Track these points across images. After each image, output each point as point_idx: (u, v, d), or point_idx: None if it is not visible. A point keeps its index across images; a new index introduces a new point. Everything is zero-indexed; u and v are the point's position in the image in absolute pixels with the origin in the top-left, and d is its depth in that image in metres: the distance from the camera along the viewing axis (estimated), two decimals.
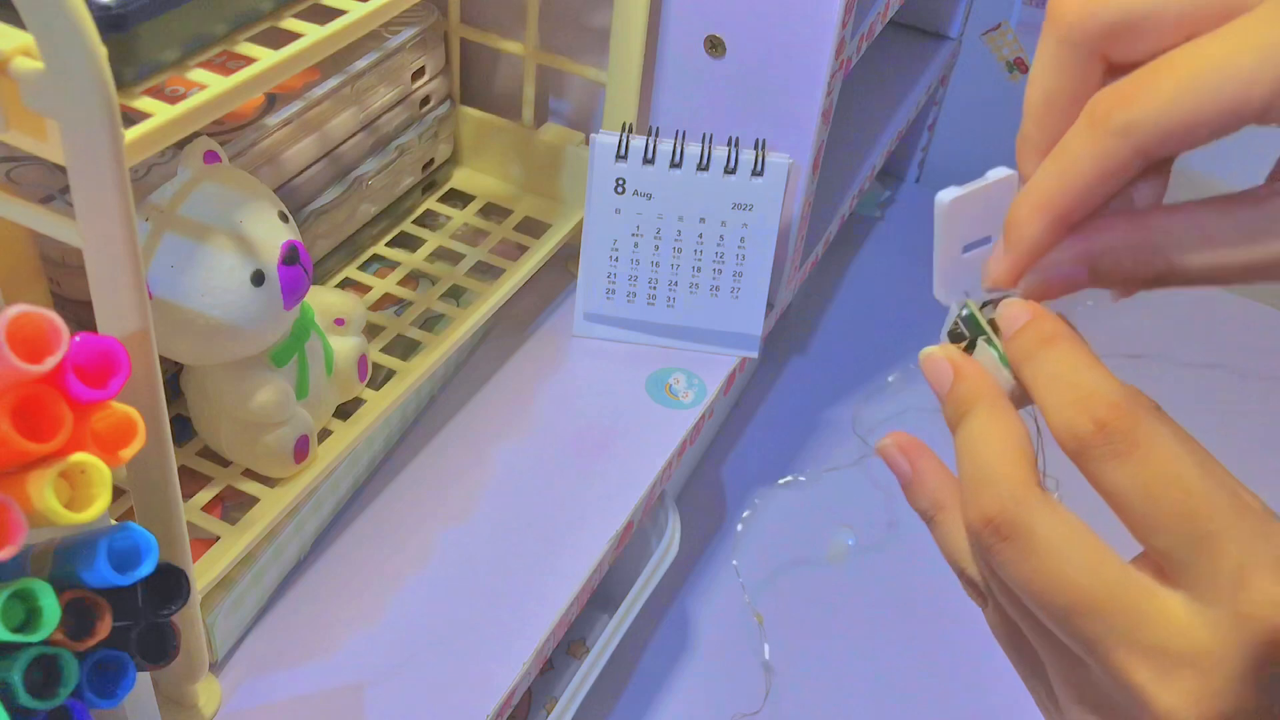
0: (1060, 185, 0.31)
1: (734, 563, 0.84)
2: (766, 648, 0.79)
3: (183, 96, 0.41)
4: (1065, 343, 0.31)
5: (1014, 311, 0.33)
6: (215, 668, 0.57)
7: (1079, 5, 0.30)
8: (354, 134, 0.70)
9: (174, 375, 0.59)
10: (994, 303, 0.35)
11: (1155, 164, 0.30)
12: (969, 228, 0.35)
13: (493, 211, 0.80)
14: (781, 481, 0.89)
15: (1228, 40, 0.27)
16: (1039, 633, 0.31)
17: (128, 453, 0.35)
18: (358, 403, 0.63)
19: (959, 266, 0.36)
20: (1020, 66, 1.09)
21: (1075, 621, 0.28)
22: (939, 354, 0.34)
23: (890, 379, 0.96)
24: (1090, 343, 0.31)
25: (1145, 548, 0.29)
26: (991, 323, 0.34)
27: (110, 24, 0.40)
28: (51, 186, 0.54)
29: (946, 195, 0.35)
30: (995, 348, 0.34)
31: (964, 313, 0.35)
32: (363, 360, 0.62)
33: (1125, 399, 0.29)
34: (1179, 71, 0.28)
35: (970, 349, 0.35)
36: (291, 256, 0.52)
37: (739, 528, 0.86)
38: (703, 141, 0.71)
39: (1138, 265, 0.31)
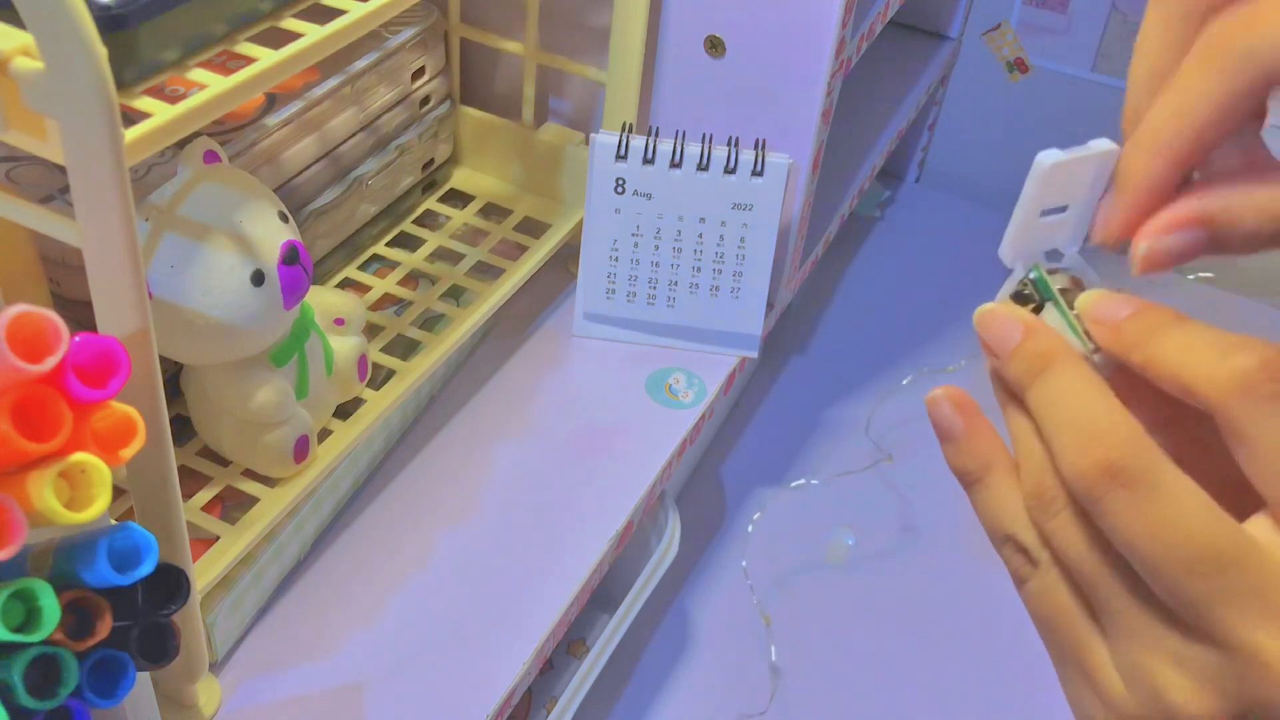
0: (1177, 121, 0.30)
1: (743, 564, 0.84)
2: (773, 649, 0.79)
3: (183, 96, 0.41)
4: (1191, 322, 0.30)
5: (1115, 300, 0.31)
6: (215, 668, 0.57)
7: None
8: (354, 134, 0.70)
9: (174, 375, 0.59)
10: (1057, 272, 0.34)
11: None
12: (1054, 193, 0.34)
13: (493, 211, 0.80)
14: (794, 485, 0.89)
15: None
16: (1120, 594, 0.29)
17: (128, 453, 0.35)
18: (358, 403, 0.63)
19: (1032, 231, 0.34)
20: (1020, 66, 1.09)
21: (1196, 576, 0.27)
22: (1004, 310, 0.33)
23: (905, 381, 0.95)
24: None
25: (1274, 502, 0.28)
26: (1060, 293, 0.33)
27: (110, 24, 0.40)
28: (51, 186, 0.54)
29: (1047, 158, 0.33)
30: (1065, 314, 0.33)
31: (1032, 275, 0.33)
32: (363, 360, 0.62)
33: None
34: None
35: (1037, 313, 0.33)
36: (291, 256, 0.52)
37: (749, 528, 0.86)
38: (703, 141, 0.71)
39: (1261, 219, 0.29)
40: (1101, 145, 0.33)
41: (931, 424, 0.34)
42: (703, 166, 0.72)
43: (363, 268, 0.74)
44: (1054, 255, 0.35)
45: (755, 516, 0.87)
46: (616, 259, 0.75)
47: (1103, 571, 0.29)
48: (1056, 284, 0.34)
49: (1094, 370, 0.31)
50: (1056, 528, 0.30)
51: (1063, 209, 0.34)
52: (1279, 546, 0.27)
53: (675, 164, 0.72)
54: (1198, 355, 0.28)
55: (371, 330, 0.68)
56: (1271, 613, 0.27)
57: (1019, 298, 0.33)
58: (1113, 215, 0.32)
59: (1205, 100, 0.29)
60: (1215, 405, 0.28)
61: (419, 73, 0.74)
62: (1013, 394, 0.32)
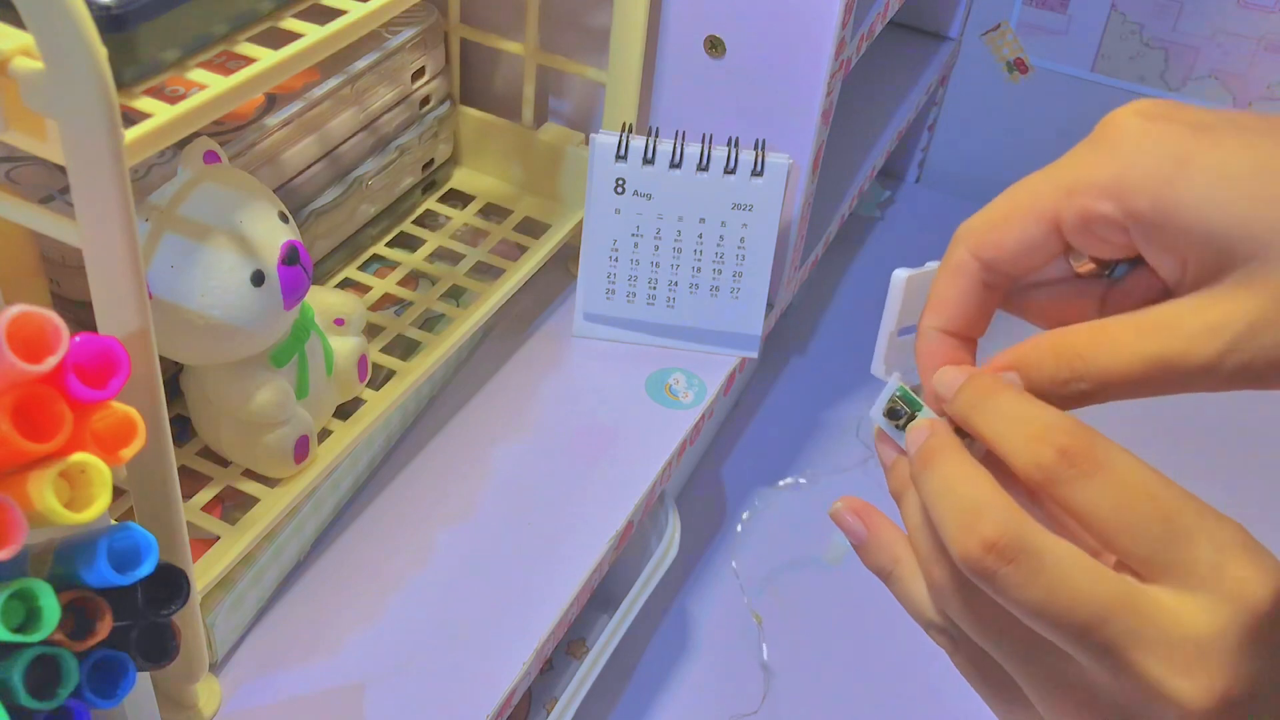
0: (932, 295, 0.37)
1: (733, 564, 0.84)
2: (765, 649, 0.79)
3: (183, 96, 0.41)
4: (1009, 390, 0.33)
5: (950, 376, 0.35)
6: (215, 668, 0.57)
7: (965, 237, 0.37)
8: (354, 134, 0.70)
9: (174, 375, 0.59)
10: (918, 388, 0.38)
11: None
12: (908, 311, 0.38)
13: (493, 212, 0.80)
14: (782, 483, 0.89)
15: (1044, 174, 0.35)
16: (1023, 658, 0.32)
17: (128, 453, 0.35)
18: (358, 403, 0.63)
19: (895, 348, 0.39)
20: (1020, 67, 1.09)
21: (1094, 632, 0.29)
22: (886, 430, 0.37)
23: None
24: None
25: (1120, 555, 0.30)
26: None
27: (110, 24, 0.40)
28: (51, 186, 0.54)
29: (903, 273, 0.38)
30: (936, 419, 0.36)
31: (897, 392, 0.37)
32: (363, 360, 0.62)
33: (1078, 425, 0.31)
34: (1007, 192, 0.35)
35: (909, 422, 0.37)
36: (291, 256, 0.52)
37: (738, 528, 0.86)
38: (703, 141, 0.71)
39: (1059, 367, 0.33)
40: (937, 266, 0.38)
41: (841, 531, 0.38)
42: (703, 167, 0.72)
43: (363, 268, 0.74)
44: (914, 372, 0.38)
45: (744, 517, 0.87)
46: (616, 259, 0.75)
47: (1002, 642, 0.32)
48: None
49: (971, 457, 0.33)
50: (954, 610, 0.33)
51: (913, 329, 0.38)
52: (1143, 585, 0.30)
53: (675, 164, 0.72)
54: (1008, 445, 0.32)
55: (371, 330, 0.68)
56: (1152, 644, 0.29)
57: (892, 414, 0.37)
58: (924, 388, 0.37)
59: (942, 274, 0.36)
60: (1035, 486, 0.31)
61: (419, 73, 0.74)
62: (901, 488, 0.36)
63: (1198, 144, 0.32)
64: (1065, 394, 0.33)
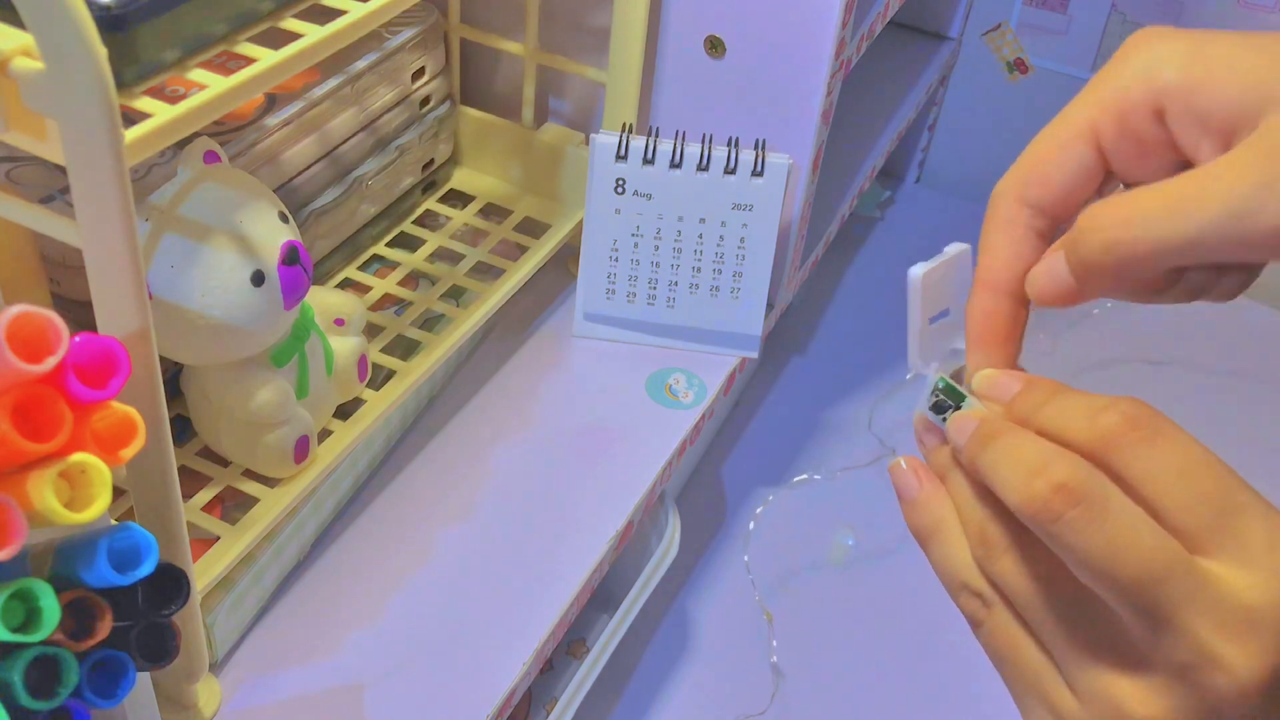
0: (983, 253, 0.37)
1: (745, 558, 0.83)
2: (775, 646, 0.79)
3: (183, 96, 0.41)
4: (1068, 390, 0.34)
5: (1005, 380, 0.36)
6: (215, 668, 0.57)
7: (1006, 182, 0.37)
8: (354, 134, 0.70)
9: (174, 375, 0.59)
10: (961, 369, 0.38)
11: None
12: (933, 301, 0.38)
13: (493, 212, 0.80)
14: (795, 480, 0.88)
15: (1070, 105, 0.36)
16: (1064, 616, 0.32)
17: (128, 453, 0.35)
18: (358, 403, 0.63)
19: (929, 338, 0.39)
20: (1020, 67, 1.09)
21: (1149, 589, 0.30)
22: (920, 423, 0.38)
23: (908, 377, 0.96)
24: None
25: (1172, 526, 0.31)
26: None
27: (110, 24, 0.40)
28: (51, 186, 0.54)
29: (918, 270, 0.38)
30: (981, 406, 0.37)
31: (940, 385, 0.37)
32: (363, 360, 0.62)
33: (1140, 401, 0.32)
34: (1036, 139, 0.36)
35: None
36: (291, 257, 0.52)
37: (750, 525, 0.86)
38: (703, 142, 0.71)
39: (1100, 220, 0.33)
40: (956, 248, 0.38)
41: (894, 487, 0.38)
42: (703, 167, 0.72)
43: (363, 268, 0.74)
44: (956, 354, 0.39)
45: (758, 511, 0.87)
46: (616, 259, 0.75)
47: (1047, 601, 0.33)
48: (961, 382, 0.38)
49: (1029, 431, 0.34)
50: (1001, 569, 0.34)
51: (946, 312, 0.39)
52: (1196, 556, 0.31)
53: (675, 164, 0.72)
54: (1073, 421, 0.33)
55: (371, 330, 0.68)
56: (1205, 609, 0.30)
57: (937, 408, 0.37)
58: (970, 358, 0.37)
59: (989, 228, 0.37)
60: (1096, 460, 0.32)
61: (419, 73, 0.74)
62: (945, 469, 0.36)
63: (1208, 36, 0.34)
64: (1109, 240, 0.33)
